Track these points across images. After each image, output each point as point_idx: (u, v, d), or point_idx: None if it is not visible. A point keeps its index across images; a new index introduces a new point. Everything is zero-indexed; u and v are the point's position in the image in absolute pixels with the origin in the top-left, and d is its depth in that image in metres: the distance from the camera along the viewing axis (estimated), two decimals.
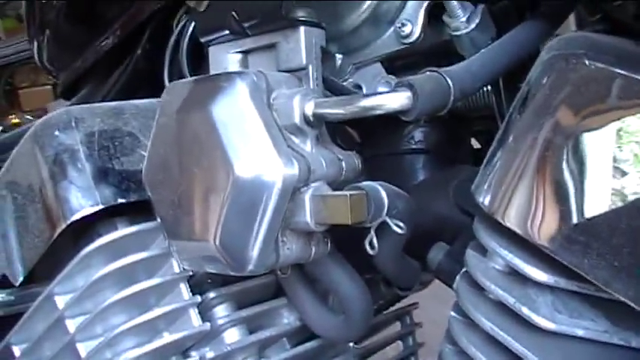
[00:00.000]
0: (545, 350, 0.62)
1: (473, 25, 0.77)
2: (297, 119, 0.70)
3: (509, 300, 0.63)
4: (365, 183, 0.71)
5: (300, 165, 0.68)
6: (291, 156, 0.68)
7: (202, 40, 0.83)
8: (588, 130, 0.56)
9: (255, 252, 0.69)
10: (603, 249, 0.55)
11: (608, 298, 0.59)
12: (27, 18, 1.35)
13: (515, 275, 0.65)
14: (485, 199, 0.65)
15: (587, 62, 0.58)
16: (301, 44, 0.74)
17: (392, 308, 1.11)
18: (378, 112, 0.66)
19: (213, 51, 0.83)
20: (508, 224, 0.62)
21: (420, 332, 1.16)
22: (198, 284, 0.87)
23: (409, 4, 0.80)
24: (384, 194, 0.70)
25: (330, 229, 0.74)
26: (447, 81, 0.68)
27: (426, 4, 0.80)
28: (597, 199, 0.56)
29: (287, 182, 0.68)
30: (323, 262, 0.78)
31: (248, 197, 0.68)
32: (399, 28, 0.81)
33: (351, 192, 0.68)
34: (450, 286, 0.79)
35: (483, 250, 0.69)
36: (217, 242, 0.70)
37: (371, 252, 0.70)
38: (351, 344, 0.99)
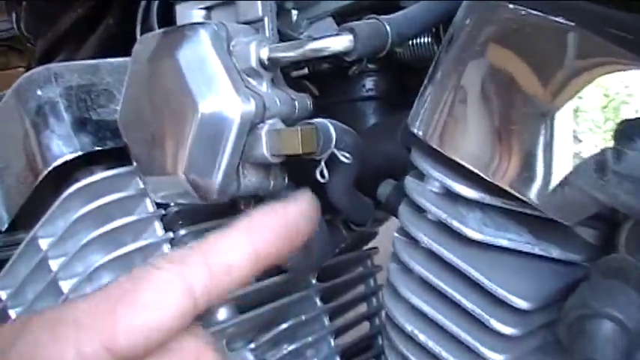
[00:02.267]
0: (473, 259, 0.70)
1: None
2: (253, 63, 0.79)
3: (442, 216, 0.71)
4: (315, 120, 0.80)
5: (256, 102, 0.77)
6: (248, 95, 0.77)
7: None
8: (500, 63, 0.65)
9: (218, 181, 0.78)
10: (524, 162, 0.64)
11: (531, 213, 0.68)
12: None
13: (449, 196, 0.72)
14: (419, 129, 0.73)
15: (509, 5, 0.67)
16: None
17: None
18: (324, 53, 0.75)
19: (179, 9, 0.92)
20: (439, 148, 0.70)
21: None
22: (170, 223, 0.94)
23: None
24: (332, 129, 0.79)
25: (288, 170, 0.82)
26: (384, 26, 0.77)
27: None
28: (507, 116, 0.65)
29: (245, 117, 0.76)
30: (281, 195, 0.86)
31: (211, 132, 0.77)
32: None
33: (302, 127, 0.77)
34: (397, 217, 0.88)
35: (421, 177, 0.77)
36: (185, 174, 0.79)
37: (322, 180, 0.79)
38: (314, 281, 1.07)
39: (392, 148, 0.93)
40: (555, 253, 0.68)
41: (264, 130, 0.78)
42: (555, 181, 0.63)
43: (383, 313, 0.84)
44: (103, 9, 1.20)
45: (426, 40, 0.95)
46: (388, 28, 0.76)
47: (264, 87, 0.80)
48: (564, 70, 0.63)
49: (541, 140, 0.64)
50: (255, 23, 0.84)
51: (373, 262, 1.23)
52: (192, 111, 0.77)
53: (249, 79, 0.79)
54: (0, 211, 1.00)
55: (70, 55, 1.29)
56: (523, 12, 0.66)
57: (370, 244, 1.25)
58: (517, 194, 0.65)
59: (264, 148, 0.77)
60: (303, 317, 1.05)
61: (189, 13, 0.90)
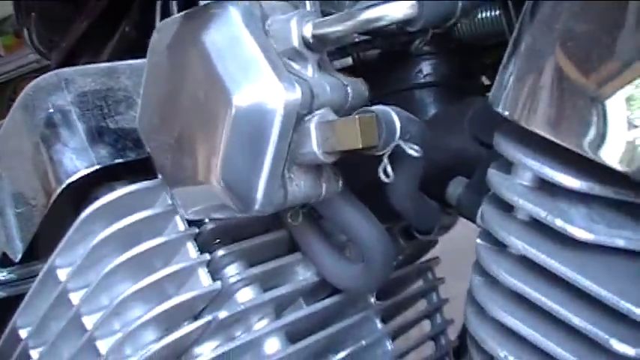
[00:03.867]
0: (584, 264, 0.58)
1: None
2: (295, 42, 0.65)
3: (541, 214, 0.59)
4: (374, 107, 0.66)
5: (302, 89, 0.64)
6: (292, 81, 0.64)
7: None
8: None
9: (261, 189, 0.65)
10: None
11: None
12: (15, 8, 1.32)
13: (544, 189, 0.61)
14: (505, 108, 0.60)
15: None
16: None
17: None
18: (382, 22, 0.62)
19: None
20: (534, 129, 0.57)
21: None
22: (206, 243, 0.82)
23: None
24: (395, 117, 0.65)
25: (342, 171, 0.69)
26: None
27: None
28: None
29: (289, 108, 0.63)
30: (336, 203, 0.73)
31: (249, 128, 0.64)
32: None
33: (360, 115, 0.63)
34: (473, 220, 0.75)
35: (507, 168, 0.64)
36: (221, 182, 0.66)
37: (386, 180, 0.65)
38: (373, 300, 0.94)
39: (459, 142, 0.80)
40: None
41: (313, 123, 0.64)
42: None
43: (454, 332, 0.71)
44: (118, 14, 1.08)
45: (491, 13, 0.82)
46: None
47: (309, 71, 0.67)
48: None
49: None
50: None
51: (435, 275, 1.10)
52: (224, 105, 0.64)
53: (292, 63, 0.66)
54: (13, 239, 0.88)
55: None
56: None
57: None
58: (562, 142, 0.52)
59: (314, 145, 0.64)
60: (364, 342, 0.93)
61: None
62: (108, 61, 1.13)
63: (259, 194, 0.65)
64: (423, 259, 1.09)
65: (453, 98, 0.86)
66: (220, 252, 0.81)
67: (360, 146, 0.62)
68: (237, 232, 0.83)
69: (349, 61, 0.91)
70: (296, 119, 0.64)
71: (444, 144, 0.80)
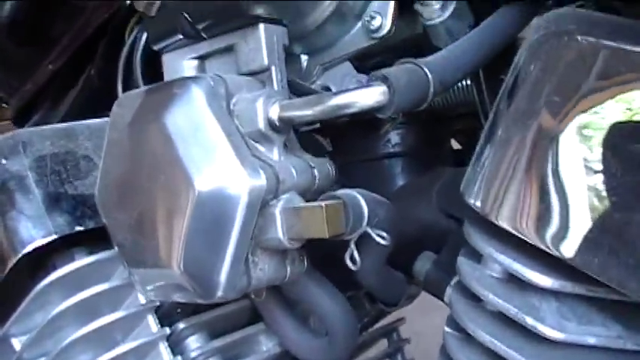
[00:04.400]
0: None
1: (448, 13, 0.71)
2: (261, 124, 0.63)
3: (511, 310, 0.57)
4: (341, 191, 0.64)
5: (267, 174, 0.61)
6: (256, 165, 0.61)
7: (155, 47, 0.76)
8: (589, 113, 0.50)
9: (223, 276, 0.62)
10: (615, 245, 0.49)
11: (619, 299, 0.53)
12: None
13: (515, 282, 0.59)
14: (476, 200, 0.58)
15: (579, 39, 0.52)
16: (262, 43, 0.67)
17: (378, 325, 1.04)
18: (352, 110, 0.60)
19: (167, 59, 0.76)
20: (504, 225, 0.56)
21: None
22: (167, 315, 0.80)
23: None
24: (362, 202, 0.63)
25: (305, 243, 0.67)
26: (424, 72, 0.61)
27: None
28: (605, 190, 0.49)
29: (254, 194, 0.61)
30: (300, 281, 0.70)
31: (212, 215, 0.61)
32: (368, 22, 0.74)
33: (327, 202, 0.61)
34: (440, 298, 0.73)
35: (477, 257, 0.62)
36: (181, 268, 0.63)
37: (353, 267, 0.63)
38: None
39: (427, 214, 0.79)
40: None
41: (278, 209, 0.62)
42: None
43: None
44: (83, 61, 1.05)
45: (463, 83, 0.80)
46: (429, 74, 0.61)
47: (275, 154, 0.64)
48: None
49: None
50: (260, 74, 0.68)
51: (400, 336, 1.08)
52: (186, 189, 0.61)
53: (257, 145, 0.64)
54: None
55: (49, 114, 1.14)
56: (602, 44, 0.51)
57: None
58: (620, 288, 0.50)
59: (279, 232, 0.62)
60: None
61: (179, 65, 0.74)
62: (69, 109, 1.11)
63: (222, 281, 0.62)
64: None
65: (422, 168, 0.84)
66: (181, 325, 0.79)
67: (327, 236, 0.59)
68: (199, 304, 0.80)
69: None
70: (261, 204, 0.62)
71: (413, 216, 0.78)
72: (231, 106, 0.64)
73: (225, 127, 0.62)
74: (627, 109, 0.47)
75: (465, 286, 0.62)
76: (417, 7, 0.72)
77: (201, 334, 0.80)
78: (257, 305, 0.80)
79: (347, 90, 0.60)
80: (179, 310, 0.80)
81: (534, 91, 0.54)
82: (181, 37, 0.72)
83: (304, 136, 0.77)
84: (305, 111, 0.62)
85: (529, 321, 0.56)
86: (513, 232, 0.55)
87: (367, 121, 0.82)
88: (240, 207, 0.60)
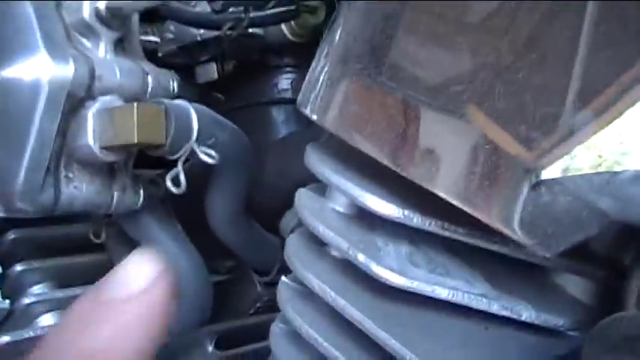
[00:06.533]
0: (388, 318, 0.45)
1: None
2: (86, 14, 0.53)
3: (342, 245, 0.46)
4: (171, 101, 0.53)
5: (77, 65, 0.51)
6: (67, 54, 0.51)
7: None
8: None
9: (19, 180, 0.51)
10: None
11: (491, 250, 0.43)
12: None
13: (363, 220, 0.48)
14: (313, 111, 0.48)
15: None
16: None
17: None
18: None
19: None
20: (343, 136, 0.45)
21: None
22: (6, 255, 0.70)
23: None
24: (193, 115, 0.53)
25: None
26: None
27: None
28: None
29: (57, 84, 0.51)
30: (140, 218, 0.60)
31: (10, 105, 0.51)
32: None
33: (142, 103, 0.50)
34: None
35: (323, 191, 0.51)
36: None
37: (175, 190, 0.52)
38: (210, 347, 0.80)
39: (302, 170, 0.67)
40: (527, 314, 0.45)
41: (92, 110, 0.51)
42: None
43: None
44: None
45: None
46: None
47: (101, 50, 0.54)
48: None
49: None
50: None
51: None
52: None
53: (82, 39, 0.54)
54: None
55: None
56: None
57: None
58: (471, 210, 0.38)
59: (89, 137, 0.51)
60: None
61: None
62: None
63: (17, 189, 0.51)
64: None
65: (308, 119, 0.74)
66: (18, 267, 0.69)
67: (136, 140, 0.49)
68: (43, 249, 0.69)
69: (215, 76, 0.79)
70: (72, 103, 0.51)
71: (289, 171, 0.67)
72: None
73: (39, 11, 0.52)
74: None
75: (306, 228, 0.51)
76: None
77: (48, 284, 0.70)
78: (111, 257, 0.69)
79: None
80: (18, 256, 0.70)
81: None
82: None
83: (202, 89, 0.70)
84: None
85: (360, 258, 0.45)
86: (351, 142, 0.44)
87: (256, 63, 0.73)
88: (40, 97, 0.50)
